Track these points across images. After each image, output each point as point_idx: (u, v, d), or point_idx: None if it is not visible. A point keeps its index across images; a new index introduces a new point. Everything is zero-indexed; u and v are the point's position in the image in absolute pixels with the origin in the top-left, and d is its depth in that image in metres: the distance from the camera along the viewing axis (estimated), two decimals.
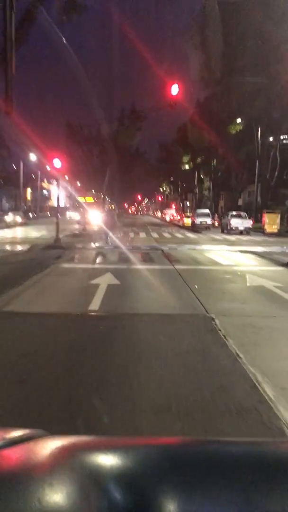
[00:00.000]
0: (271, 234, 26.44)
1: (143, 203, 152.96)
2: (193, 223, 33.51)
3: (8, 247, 15.77)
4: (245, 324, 5.37)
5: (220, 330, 5.05)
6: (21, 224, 34.29)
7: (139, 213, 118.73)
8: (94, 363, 3.93)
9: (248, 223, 27.33)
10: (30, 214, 55.52)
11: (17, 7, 8.40)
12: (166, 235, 26.41)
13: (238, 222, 26.99)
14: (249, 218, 29.07)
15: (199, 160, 54.36)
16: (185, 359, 4.10)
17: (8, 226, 31.98)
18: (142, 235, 25.43)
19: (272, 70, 29.67)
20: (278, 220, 27.60)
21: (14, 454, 0.75)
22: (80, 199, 34.46)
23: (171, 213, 62.41)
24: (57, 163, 14.72)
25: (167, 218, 60.60)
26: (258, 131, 35.42)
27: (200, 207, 48.14)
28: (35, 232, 26.06)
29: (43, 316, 5.68)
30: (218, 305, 6.41)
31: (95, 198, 38.66)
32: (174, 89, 13.49)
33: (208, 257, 13.26)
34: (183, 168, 63.35)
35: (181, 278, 9.04)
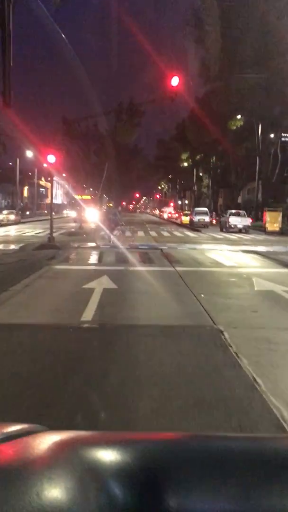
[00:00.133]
0: (273, 233, 25.85)
1: (141, 201, 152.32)
2: (191, 221, 33.33)
3: None
4: (259, 338, 4.71)
5: (230, 346, 4.39)
6: (15, 222, 33.46)
7: (137, 211, 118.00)
8: (84, 391, 3.28)
9: (247, 221, 27.06)
10: (27, 212, 54.77)
11: None
12: (165, 233, 25.76)
13: (237, 220, 26.67)
14: (248, 216, 28.77)
15: (198, 157, 53.68)
16: (192, 387, 3.44)
17: (1, 224, 31.16)
18: (141, 233, 24.77)
19: (273, 64, 28.99)
20: (279, 218, 26.98)
21: (13, 449, 0.74)
22: (77, 197, 33.68)
23: (169, 211, 62.11)
24: (51, 158, 14.02)
25: (165, 216, 60.21)
26: (259, 127, 34.74)
27: (199, 205, 47.98)
28: (29, 231, 25.39)
29: (29, 328, 5.01)
30: (226, 314, 5.76)
31: (92, 195, 37.94)
32: (175, 81, 12.83)
33: (210, 258, 12.61)
34: (181, 166, 62.67)
35: (182, 281, 8.39)
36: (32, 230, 25.80)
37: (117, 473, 0.62)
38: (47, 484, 0.59)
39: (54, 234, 22.11)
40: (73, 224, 28.93)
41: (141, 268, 10.33)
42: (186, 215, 38.98)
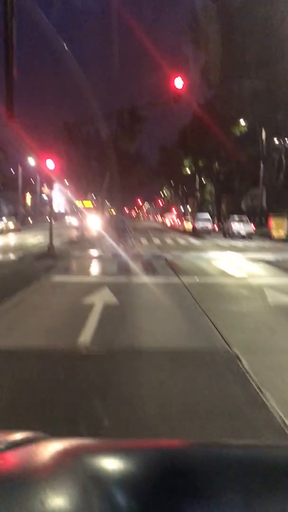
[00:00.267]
0: (279, 240, 25.21)
1: (143, 208, 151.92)
2: (194, 227, 33.19)
3: None
4: (284, 366, 4.09)
5: (251, 377, 3.77)
6: (14, 231, 32.80)
7: (140, 218, 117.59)
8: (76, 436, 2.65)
9: (250, 227, 26.79)
10: (30, 219, 54.33)
11: None
12: (169, 241, 25.16)
13: (240, 227, 26.48)
14: (251, 222, 28.50)
15: (200, 163, 53.21)
16: (208, 435, 2.82)
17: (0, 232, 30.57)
18: (144, 241, 24.16)
19: (276, 69, 28.56)
20: (285, 225, 26.32)
21: (16, 457, 0.74)
22: (78, 204, 33.16)
23: (171, 218, 61.87)
24: (50, 164, 13.50)
25: (168, 223, 59.83)
26: (262, 132, 34.24)
27: (201, 211, 47.79)
28: (30, 239, 24.83)
29: (18, 354, 4.40)
30: (241, 334, 5.13)
31: (94, 202, 37.43)
32: (178, 83, 12.31)
33: (217, 267, 11.99)
34: (184, 172, 62.22)
35: (189, 294, 7.77)
36: (33, 238, 25.25)
37: (120, 481, 0.62)
38: (50, 492, 0.59)
39: (55, 242, 21.58)
40: (75, 232, 28.38)
41: (144, 279, 9.72)
42: (188, 221, 38.95)
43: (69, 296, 7.61)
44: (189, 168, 59.68)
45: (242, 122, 35.20)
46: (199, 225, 32.14)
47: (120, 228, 16.81)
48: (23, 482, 0.62)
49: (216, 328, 5.36)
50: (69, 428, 2.85)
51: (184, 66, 30.95)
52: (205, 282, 9.29)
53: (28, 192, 70.63)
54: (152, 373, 3.92)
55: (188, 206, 73.69)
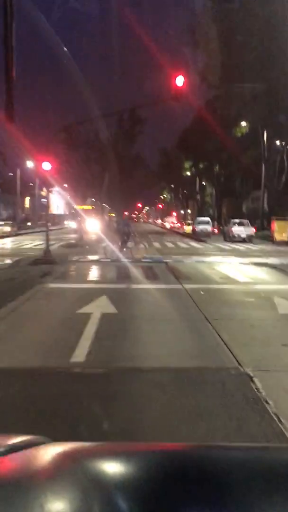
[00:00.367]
0: (281, 243, 24.73)
1: (143, 211, 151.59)
2: (193, 230, 33.43)
3: None
4: None
5: (267, 403, 3.28)
6: (10, 234, 32.20)
7: (140, 221, 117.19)
8: None
9: (251, 230, 26.71)
10: (29, 223, 53.88)
11: None
12: (169, 244, 24.68)
13: (240, 230, 26.47)
14: (252, 225, 28.50)
15: (201, 165, 52.83)
16: None
17: None
18: (144, 244, 23.70)
19: (278, 70, 28.18)
20: None
21: (16, 461, 0.74)
22: (77, 207, 32.69)
23: (171, 221, 61.90)
24: (47, 166, 13.04)
25: (168, 226, 59.70)
26: (264, 134, 33.83)
27: (202, 215, 47.90)
28: (27, 243, 24.33)
29: (2, 375, 3.91)
30: (251, 349, 4.65)
31: (93, 205, 36.98)
32: (179, 81, 11.86)
33: (220, 272, 11.51)
34: (184, 174, 61.86)
35: (193, 302, 7.28)
36: (31, 242, 24.76)
37: (121, 485, 0.62)
38: (51, 496, 0.59)
39: (53, 246, 21.14)
40: (74, 235, 27.88)
41: (145, 285, 9.24)
42: (188, 224, 39.31)
43: (64, 305, 7.12)
44: (189, 171, 59.32)
45: (243, 123, 34.75)
46: (199, 228, 32.35)
47: (124, 232, 16.14)
48: (24, 486, 0.62)
49: (224, 342, 4.87)
50: None
51: (185, 67, 30.62)
52: (208, 289, 8.80)
53: (27, 196, 70.22)
54: (154, 397, 3.43)
55: (188, 209, 73.33)
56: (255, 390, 3.54)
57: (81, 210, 29.27)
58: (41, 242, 23.24)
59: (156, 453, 0.78)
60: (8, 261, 13.93)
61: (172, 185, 79.93)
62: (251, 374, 3.86)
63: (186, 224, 40.95)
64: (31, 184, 63.05)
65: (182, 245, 24.44)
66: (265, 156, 34.54)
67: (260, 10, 28.14)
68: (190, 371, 4.00)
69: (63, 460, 0.73)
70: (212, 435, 2.87)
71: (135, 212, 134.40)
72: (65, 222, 64.91)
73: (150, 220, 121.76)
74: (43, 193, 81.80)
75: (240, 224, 27.20)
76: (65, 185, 53.08)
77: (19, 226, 41.26)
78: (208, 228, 32.45)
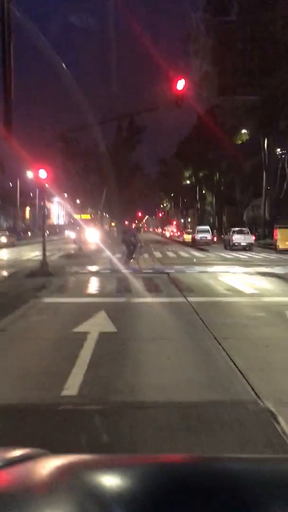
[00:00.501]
0: (285, 251, 24.19)
1: (143, 220, 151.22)
2: (193, 239, 34.07)
3: None
4: None
5: None
6: (7, 246, 31.53)
7: (141, 230, 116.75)
8: None
9: (251, 239, 26.99)
10: (29, 233, 53.43)
11: None
12: (170, 254, 24.13)
13: (241, 238, 26.77)
14: (252, 234, 29.00)
15: (201, 174, 52.50)
16: None
17: None
18: (144, 254, 23.14)
19: (278, 77, 27.88)
20: None
21: (14, 474, 0.74)
22: (76, 216, 32.18)
23: (171, 230, 61.91)
24: (43, 173, 12.54)
25: (168, 235, 59.50)
26: (265, 142, 33.45)
27: (202, 223, 48.05)
28: (26, 254, 23.77)
29: None
30: (270, 377, 4.05)
31: (92, 215, 36.49)
32: (180, 84, 11.42)
33: (225, 283, 10.93)
34: (184, 183, 61.54)
35: (198, 318, 6.70)
36: (29, 253, 24.20)
37: (119, 497, 0.61)
38: (47, 509, 0.59)
39: (52, 257, 20.59)
40: (73, 246, 27.34)
41: (146, 299, 8.67)
42: (188, 233, 39.90)
43: (59, 323, 6.53)
44: (189, 179, 59.02)
45: (243, 131, 34.41)
46: (198, 236, 32.99)
47: (131, 243, 15.32)
48: (21, 499, 0.61)
49: (237, 367, 4.28)
50: None
51: (185, 75, 30.35)
52: (214, 302, 8.23)
53: (27, 206, 69.88)
54: (159, 445, 2.83)
55: (188, 218, 72.93)
56: (281, 433, 2.94)
57: (80, 219, 28.76)
58: (39, 253, 22.73)
59: (153, 466, 0.77)
60: (3, 273, 13.37)
61: (172, 194, 79.64)
62: (274, 411, 3.26)
63: (186, 233, 41.46)
64: (31, 194, 62.76)
65: (184, 254, 23.89)
66: (266, 163, 34.12)
67: (259, 17, 27.94)
68: (201, 407, 3.40)
69: (60, 472, 0.73)
70: None
71: (135, 221, 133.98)
72: (66, 232, 64.53)
73: (150, 229, 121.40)
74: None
75: (240, 232, 27.40)
76: (65, 195, 52.73)
77: (19, 237, 40.76)
78: (208, 236, 32.95)
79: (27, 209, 71.92)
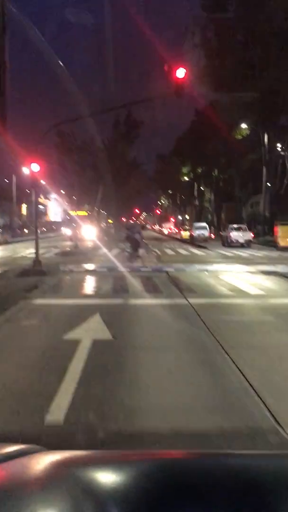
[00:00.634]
0: (286, 249, 23.64)
1: (141, 217, 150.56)
2: (191, 236, 34.36)
3: None
4: None
5: None
6: (1, 243, 30.68)
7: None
8: None
9: (249, 235, 26.88)
10: (26, 230, 52.77)
11: None
12: (169, 251, 23.54)
13: (239, 235, 26.68)
14: (251, 230, 29.01)
15: (199, 170, 51.87)
16: None
17: None
18: (142, 251, 22.54)
19: (279, 70, 27.26)
20: None
21: (9, 469, 0.73)
22: (72, 213, 31.52)
23: (169, 227, 61.70)
24: (35, 167, 11.94)
25: (165, 232, 59.09)
26: (265, 136, 32.84)
27: (200, 220, 47.86)
28: (20, 251, 23.12)
29: None
30: None
31: (89, 211, 35.86)
32: (180, 73, 10.81)
33: (227, 283, 10.36)
34: (182, 180, 60.88)
35: (202, 323, 6.13)
36: (24, 250, 23.56)
37: (114, 494, 0.60)
38: (42, 504, 0.58)
39: (47, 255, 19.99)
40: (69, 243, 26.72)
41: (144, 300, 8.10)
42: (186, 230, 40.11)
43: (49, 328, 5.95)
44: (187, 176, 58.39)
45: (243, 126, 33.76)
46: (196, 233, 33.15)
47: (135, 240, 14.42)
48: (15, 495, 0.60)
49: (250, 384, 3.72)
50: None
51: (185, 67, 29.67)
52: (218, 304, 7.66)
53: (24, 203, 69.09)
54: None
55: (186, 215, 72.35)
56: None
57: (76, 216, 28.12)
58: (33, 251, 22.09)
59: (149, 462, 0.75)
60: None
61: (169, 191, 79.00)
62: None
63: (183, 230, 41.62)
64: (27, 191, 62.02)
65: (182, 251, 23.32)
66: (266, 159, 33.53)
67: (258, 10, 27.29)
68: (212, 438, 2.83)
69: (56, 468, 0.72)
70: None
71: (133, 218, 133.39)
72: (62, 229, 64.01)
73: (148, 226, 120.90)
74: (41, 200, 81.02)
75: (238, 229, 27.37)
76: (62, 192, 52.00)
77: (14, 234, 40.05)
78: (205, 233, 33.19)
79: (24, 205, 71.14)
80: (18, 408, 3.27)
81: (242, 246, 25.88)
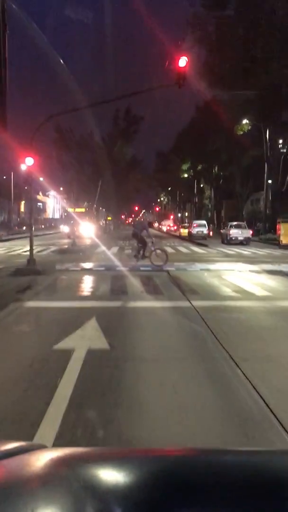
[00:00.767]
0: None
1: (140, 214, 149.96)
2: (189, 233, 34.53)
3: None
4: None
5: None
6: None
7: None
8: None
9: (248, 233, 27.00)
10: (24, 227, 52.24)
11: None
12: (169, 249, 22.89)
13: (238, 233, 26.82)
14: (251, 228, 29.42)
15: (199, 167, 51.28)
16: None
17: None
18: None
19: (280, 64, 26.67)
20: None
21: (10, 466, 0.73)
22: (70, 210, 30.91)
23: (167, 224, 61.53)
24: (29, 161, 11.38)
25: (164, 229, 58.73)
26: (266, 132, 32.25)
27: (200, 217, 47.82)
28: (17, 249, 22.53)
29: None
30: None
31: (87, 208, 35.27)
32: (182, 61, 10.25)
33: (232, 283, 9.84)
34: (182, 177, 60.31)
35: (208, 329, 5.60)
36: (21, 248, 22.98)
37: (115, 491, 0.61)
38: (43, 502, 0.58)
39: (43, 252, 19.47)
40: (66, 240, 26.15)
41: (144, 302, 7.56)
42: (184, 227, 40.22)
43: (40, 335, 5.41)
44: (187, 173, 57.81)
45: (244, 121, 33.15)
46: (195, 230, 33.45)
47: (142, 237, 13.54)
48: (16, 492, 0.60)
49: (267, 405, 3.19)
50: None
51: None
52: (223, 307, 7.13)
53: (23, 200, 68.43)
54: None
55: (186, 213, 71.81)
56: None
57: (74, 213, 27.54)
58: (34, 247, 21.51)
59: (150, 459, 0.75)
60: None
61: (169, 188, 78.43)
62: None
63: (182, 227, 41.65)
64: (26, 188, 61.30)
65: (183, 249, 22.78)
66: (268, 155, 32.95)
67: (259, 4, 26.67)
68: None
69: (56, 465, 0.71)
70: None
71: (132, 215, 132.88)
72: (61, 226, 63.59)
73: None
74: (39, 197, 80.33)
75: (237, 227, 27.51)
76: (61, 189, 51.36)
77: (11, 231, 39.46)
78: (204, 230, 33.37)
79: (23, 203, 70.54)
80: None
81: (241, 243, 26.03)
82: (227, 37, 28.58)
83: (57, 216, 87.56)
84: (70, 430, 2.84)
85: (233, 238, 26.48)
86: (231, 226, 27.69)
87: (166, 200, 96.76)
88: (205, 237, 32.79)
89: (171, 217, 73.08)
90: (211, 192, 54.36)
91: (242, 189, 42.82)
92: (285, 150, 33.54)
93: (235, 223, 28.53)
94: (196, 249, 23.30)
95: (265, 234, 32.11)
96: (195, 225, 34.68)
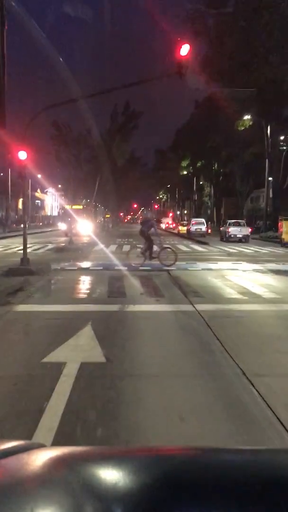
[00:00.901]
0: None
1: (139, 212, 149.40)
2: (188, 230, 34.69)
3: None
4: None
5: None
6: None
7: (138, 222, 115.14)
8: None
9: (247, 230, 27.18)
10: (21, 225, 51.61)
11: None
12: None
13: (237, 230, 27.04)
14: (250, 225, 29.67)
15: (199, 164, 50.72)
16: None
17: None
18: (140, 248, 21.43)
19: (282, 59, 26.09)
20: None
21: (8, 466, 0.72)
22: (67, 207, 30.31)
23: (166, 221, 61.19)
24: (22, 155, 10.81)
25: (163, 227, 58.41)
26: (268, 128, 31.69)
27: (199, 215, 47.61)
28: (13, 247, 21.94)
29: None
30: None
31: (85, 205, 34.68)
32: (184, 50, 9.69)
33: (236, 284, 9.31)
34: (181, 174, 59.74)
35: (214, 337, 5.08)
36: (17, 246, 22.38)
37: (115, 490, 0.60)
38: (42, 501, 0.57)
39: (39, 251, 18.92)
40: (64, 238, 25.58)
41: (144, 306, 7.02)
42: (183, 225, 40.30)
43: (28, 345, 4.87)
44: (186, 170, 57.25)
45: (246, 117, 32.58)
46: (193, 228, 33.60)
47: (148, 236, 12.85)
48: (15, 491, 0.60)
49: None
50: None
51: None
52: (230, 312, 6.60)
53: (21, 197, 67.86)
54: None
55: (185, 210, 71.26)
56: None
57: (71, 210, 26.96)
58: (30, 245, 20.97)
59: (150, 457, 0.74)
60: None
61: (168, 185, 77.85)
62: None
63: (181, 225, 41.74)
64: (20, 181, 60.58)
65: (183, 248, 22.22)
66: (269, 152, 32.40)
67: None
68: None
69: (55, 465, 0.70)
70: None
71: (131, 212, 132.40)
72: (59, 224, 63.06)
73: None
74: (38, 194, 79.63)
75: (236, 224, 27.80)
76: (59, 186, 50.72)
77: (9, 228, 38.84)
78: (203, 228, 33.55)
79: (21, 200, 69.98)
80: None
81: (240, 241, 26.18)
82: (227, 30, 27.96)
83: (55, 213, 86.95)
84: None
85: (232, 236, 26.69)
86: (230, 224, 27.95)
87: (165, 197, 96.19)
88: (204, 234, 32.90)
89: (170, 214, 72.61)
90: (210, 190, 53.84)
91: (242, 187, 42.29)
92: (285, 148, 33.03)
93: (233, 221, 28.83)
94: (196, 247, 22.77)
95: (265, 232, 31.66)
96: (193, 222, 34.92)
